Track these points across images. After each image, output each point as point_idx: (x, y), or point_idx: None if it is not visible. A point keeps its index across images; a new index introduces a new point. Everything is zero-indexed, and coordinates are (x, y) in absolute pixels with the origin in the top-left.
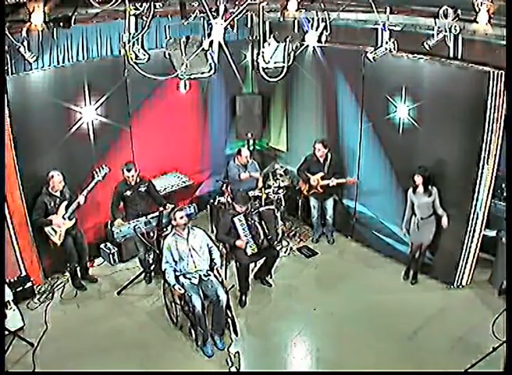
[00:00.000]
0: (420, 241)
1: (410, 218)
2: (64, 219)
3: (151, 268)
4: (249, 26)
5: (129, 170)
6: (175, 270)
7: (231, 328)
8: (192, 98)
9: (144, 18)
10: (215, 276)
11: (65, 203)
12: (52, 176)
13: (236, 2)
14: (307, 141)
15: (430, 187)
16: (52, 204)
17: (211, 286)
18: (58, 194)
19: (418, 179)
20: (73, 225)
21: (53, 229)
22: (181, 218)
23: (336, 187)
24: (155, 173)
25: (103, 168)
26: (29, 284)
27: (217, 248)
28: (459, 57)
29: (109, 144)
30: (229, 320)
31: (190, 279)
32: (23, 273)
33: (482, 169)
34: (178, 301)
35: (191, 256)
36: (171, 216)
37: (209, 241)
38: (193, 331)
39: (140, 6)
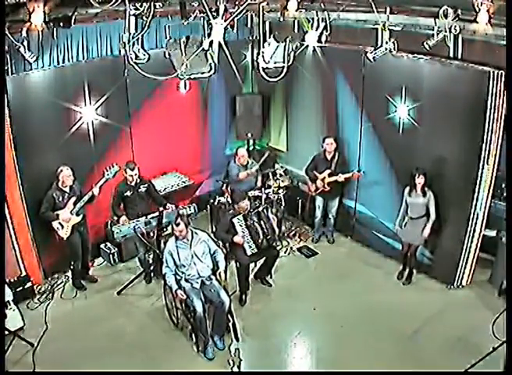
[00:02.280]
0: (409, 240)
1: (404, 217)
2: (71, 214)
3: (151, 268)
4: (249, 26)
5: (132, 169)
6: (176, 273)
7: (232, 334)
8: (192, 98)
9: (144, 18)
10: (217, 279)
11: (74, 199)
12: (61, 171)
13: (236, 2)
14: (307, 141)
15: (426, 188)
16: (60, 198)
17: (214, 290)
18: (67, 189)
19: (420, 179)
20: (81, 221)
21: (60, 224)
22: (178, 231)
23: (343, 183)
24: (155, 173)
25: (113, 166)
26: (29, 284)
27: (220, 250)
28: (459, 57)
29: (109, 144)
30: (230, 325)
31: (191, 283)
32: (23, 273)
33: (482, 169)
34: (179, 306)
35: (194, 263)
36: (173, 215)
37: (212, 245)
38: (193, 336)
39: (140, 6)
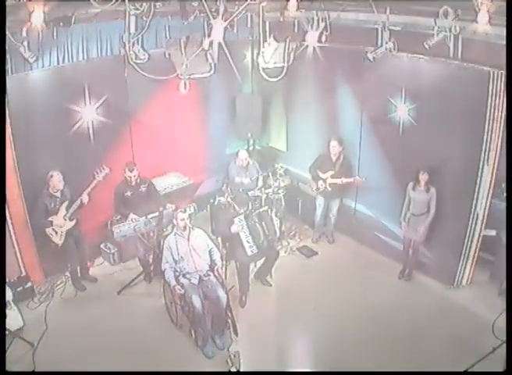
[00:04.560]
0: (410, 237)
1: (407, 212)
2: (64, 219)
3: (151, 268)
4: (249, 26)
5: (131, 170)
6: (175, 270)
7: (231, 328)
8: (192, 98)
9: (144, 18)
10: (215, 276)
11: (66, 203)
12: (52, 176)
13: (236, 2)
14: (307, 140)
15: (430, 185)
16: (52, 205)
17: (211, 286)
18: (58, 194)
19: (424, 176)
20: (74, 225)
21: (54, 230)
22: (182, 220)
23: (344, 187)
24: (155, 173)
25: (103, 168)
26: (29, 284)
27: (217, 248)
28: (459, 57)
29: (109, 144)
30: (229, 320)
31: (189, 279)
32: (23, 273)
33: (482, 169)
34: (178, 302)
35: (191, 257)
36: (173, 216)
37: (209, 242)
38: (193, 332)
39: (140, 6)
